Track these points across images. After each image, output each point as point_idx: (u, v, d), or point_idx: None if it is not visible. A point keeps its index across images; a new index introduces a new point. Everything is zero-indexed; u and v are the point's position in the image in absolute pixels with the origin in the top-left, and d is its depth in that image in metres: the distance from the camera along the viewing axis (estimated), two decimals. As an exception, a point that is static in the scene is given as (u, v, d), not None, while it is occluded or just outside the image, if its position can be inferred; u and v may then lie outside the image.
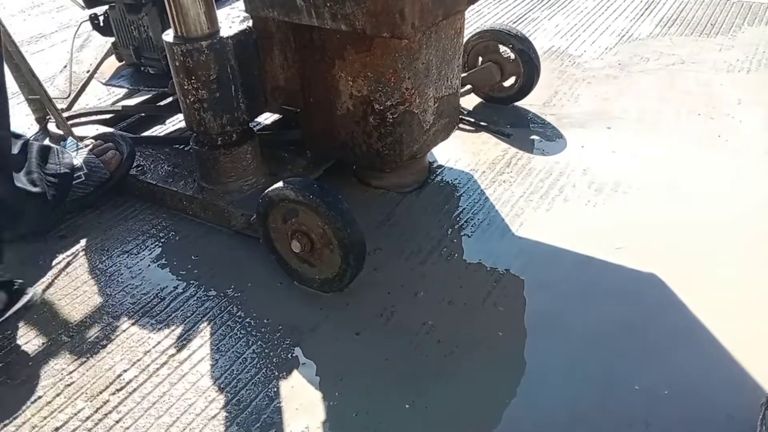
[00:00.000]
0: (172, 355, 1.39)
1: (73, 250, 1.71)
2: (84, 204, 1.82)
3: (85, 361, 1.38)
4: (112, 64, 2.08)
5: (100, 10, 1.99)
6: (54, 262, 1.67)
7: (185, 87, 1.58)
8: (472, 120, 2.16)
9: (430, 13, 1.38)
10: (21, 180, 1.64)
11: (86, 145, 1.85)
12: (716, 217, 1.70)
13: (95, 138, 1.89)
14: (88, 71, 2.14)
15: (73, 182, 1.77)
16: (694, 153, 1.97)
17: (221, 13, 1.64)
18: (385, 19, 1.32)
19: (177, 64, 1.55)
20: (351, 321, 1.46)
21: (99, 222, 1.81)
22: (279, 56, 1.66)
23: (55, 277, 1.62)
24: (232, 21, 1.63)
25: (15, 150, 1.72)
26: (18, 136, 1.77)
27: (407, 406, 1.26)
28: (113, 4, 1.91)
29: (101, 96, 2.41)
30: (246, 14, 1.59)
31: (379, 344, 1.40)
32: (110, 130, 2.00)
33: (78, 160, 1.79)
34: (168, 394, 1.30)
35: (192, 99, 1.59)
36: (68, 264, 1.66)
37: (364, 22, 1.35)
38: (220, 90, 1.58)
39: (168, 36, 1.56)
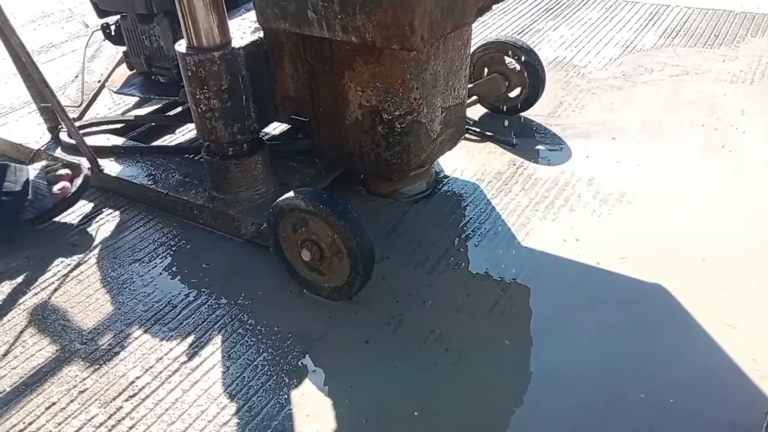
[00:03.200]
0: (185, 362, 1.40)
1: (85, 257, 1.73)
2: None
3: (99, 368, 1.40)
4: (123, 72, 2.11)
5: (111, 19, 2.02)
6: (66, 270, 1.69)
7: (197, 96, 1.60)
8: (478, 130, 2.18)
9: (439, 25, 1.40)
10: None
11: (43, 167, 1.85)
12: (720, 227, 1.71)
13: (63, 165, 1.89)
14: (99, 81, 2.16)
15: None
16: (698, 163, 1.99)
17: (233, 24, 1.66)
18: (395, 32, 1.34)
19: (189, 74, 1.58)
20: (360, 329, 1.47)
21: (110, 230, 1.83)
22: (289, 66, 1.69)
23: (68, 285, 1.64)
24: (243, 32, 1.66)
25: None
26: None
27: (416, 413, 1.28)
28: (125, 14, 1.93)
29: (111, 106, 2.43)
30: (257, 25, 1.61)
31: (388, 352, 1.41)
32: (79, 162, 1.98)
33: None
34: (180, 401, 1.32)
35: (204, 108, 1.61)
36: (80, 272, 1.68)
37: (374, 34, 1.37)
38: (231, 99, 1.61)
39: (180, 46, 1.58)
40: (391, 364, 1.39)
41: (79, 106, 2.17)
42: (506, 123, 2.24)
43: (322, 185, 1.81)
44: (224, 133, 1.64)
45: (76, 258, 1.73)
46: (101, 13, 1.98)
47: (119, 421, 1.28)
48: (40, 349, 1.46)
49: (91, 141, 2.01)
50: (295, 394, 1.32)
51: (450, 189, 1.93)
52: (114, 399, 1.33)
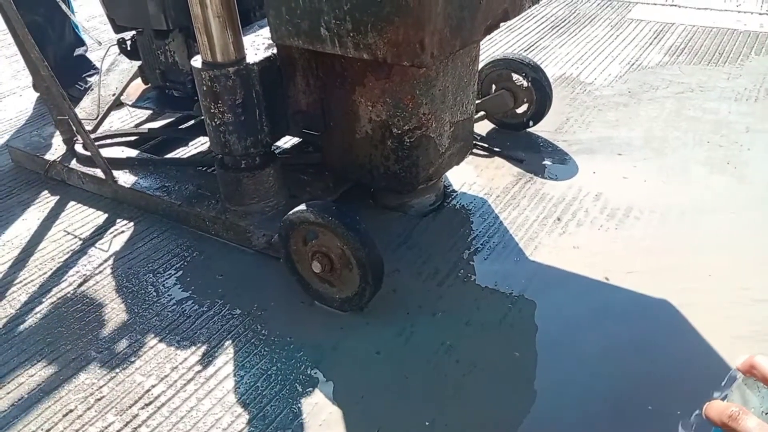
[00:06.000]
0: (199, 372, 1.43)
1: (100, 268, 1.76)
2: None
3: (115, 376, 1.42)
4: (138, 86, 2.14)
5: (127, 34, 2.06)
6: (81, 280, 1.72)
7: (212, 110, 1.64)
8: (486, 145, 2.21)
9: (449, 43, 1.43)
10: None
11: None
12: (726, 243, 1.74)
13: None
14: (113, 94, 2.20)
15: None
16: (703, 180, 2.01)
17: (247, 40, 1.70)
18: (405, 49, 1.38)
19: (204, 88, 1.61)
20: (371, 340, 1.50)
21: (125, 241, 1.86)
22: (301, 82, 1.72)
23: (83, 294, 1.67)
24: (257, 48, 1.69)
25: None
26: None
27: (427, 423, 1.30)
28: (141, 29, 1.97)
29: (125, 119, 2.47)
30: (270, 41, 1.65)
31: (399, 363, 1.43)
32: None
33: None
34: (195, 409, 1.34)
35: (218, 122, 1.65)
36: (96, 281, 1.71)
37: (386, 51, 1.40)
38: (245, 114, 1.64)
39: (196, 62, 1.62)
40: (402, 374, 1.41)
41: (94, 119, 2.21)
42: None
43: (332, 198, 1.84)
44: (237, 146, 1.68)
45: (91, 268, 1.76)
46: (117, 29, 2.02)
47: (135, 429, 1.31)
48: (56, 357, 1.48)
49: (106, 153, 2.05)
50: (308, 404, 1.34)
51: (458, 203, 1.96)
52: (130, 407, 1.35)
